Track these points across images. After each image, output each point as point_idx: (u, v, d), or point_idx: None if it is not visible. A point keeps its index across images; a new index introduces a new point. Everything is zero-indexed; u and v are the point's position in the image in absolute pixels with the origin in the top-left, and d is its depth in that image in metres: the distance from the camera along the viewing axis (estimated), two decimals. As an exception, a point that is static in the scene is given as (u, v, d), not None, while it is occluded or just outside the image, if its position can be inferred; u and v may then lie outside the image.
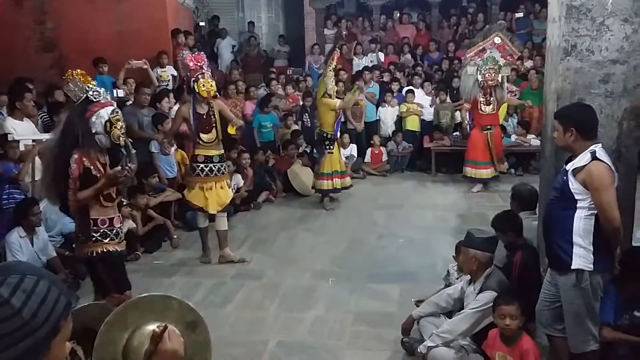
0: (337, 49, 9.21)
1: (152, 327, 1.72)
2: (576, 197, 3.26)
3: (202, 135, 5.73)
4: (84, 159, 3.78)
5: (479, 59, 8.28)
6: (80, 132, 3.76)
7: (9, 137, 5.66)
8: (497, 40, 8.28)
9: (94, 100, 3.82)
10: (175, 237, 6.74)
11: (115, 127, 3.82)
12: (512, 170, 9.62)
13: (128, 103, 7.59)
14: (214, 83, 5.78)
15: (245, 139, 9.23)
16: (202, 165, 5.79)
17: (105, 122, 3.80)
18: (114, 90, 7.64)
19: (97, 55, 8.17)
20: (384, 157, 10.14)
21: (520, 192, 4.76)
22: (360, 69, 11.22)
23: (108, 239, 3.92)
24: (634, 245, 4.13)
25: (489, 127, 8.45)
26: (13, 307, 1.19)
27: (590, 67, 3.73)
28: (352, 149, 9.92)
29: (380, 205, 8.22)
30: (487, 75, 8.23)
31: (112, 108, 3.86)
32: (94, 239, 3.88)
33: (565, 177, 3.32)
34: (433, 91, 10.40)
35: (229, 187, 6.11)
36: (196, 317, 1.84)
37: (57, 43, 8.89)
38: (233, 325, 4.71)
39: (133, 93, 7.70)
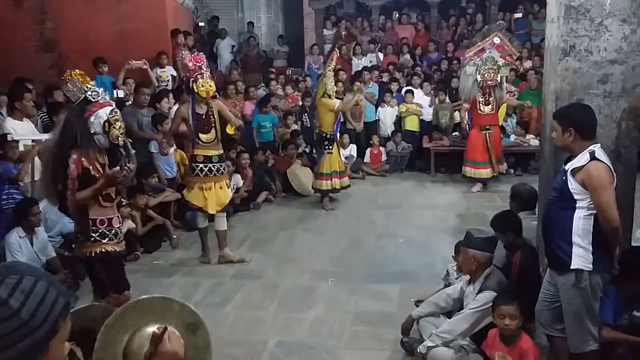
0: (336, 50, 9.23)
1: (152, 329, 1.72)
2: (575, 197, 3.26)
3: (201, 136, 5.74)
4: (83, 159, 3.77)
5: (478, 59, 8.29)
6: (78, 132, 3.76)
7: (9, 137, 5.65)
8: (497, 40, 8.29)
9: (93, 100, 3.82)
10: (174, 237, 6.74)
11: (113, 127, 3.82)
12: (511, 171, 9.63)
13: (127, 103, 7.60)
14: (213, 83, 5.79)
15: (245, 139, 9.24)
16: (201, 165, 5.79)
17: (104, 122, 3.79)
18: (114, 91, 7.65)
19: (97, 55, 8.17)
20: (383, 157, 10.15)
21: (519, 192, 4.77)
22: (360, 69, 11.23)
23: (107, 239, 3.92)
24: (633, 245, 4.13)
25: (487, 127, 8.47)
26: (11, 308, 1.19)
27: (589, 68, 3.73)
28: (352, 149, 9.94)
29: (380, 205, 8.23)
30: (486, 75, 8.25)
31: (110, 108, 3.86)
32: (92, 239, 3.88)
33: (564, 177, 3.32)
34: (432, 91, 10.42)
35: (228, 187, 6.12)
36: (196, 319, 1.84)
37: (56, 43, 8.89)
38: (232, 325, 4.71)
39: (132, 93, 7.70)
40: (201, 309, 4.82)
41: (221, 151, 5.96)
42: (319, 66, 11.99)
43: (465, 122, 9.12)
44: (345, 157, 9.32)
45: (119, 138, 3.86)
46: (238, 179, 7.94)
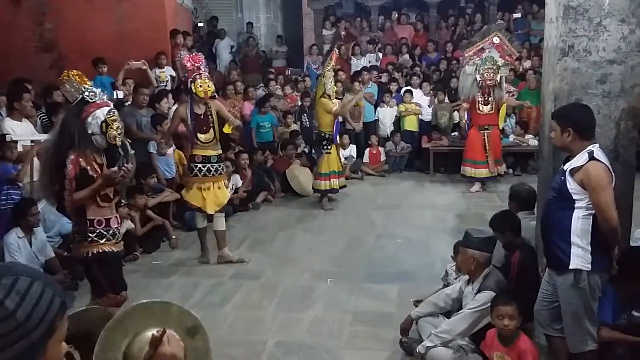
0: (335, 49, 9.23)
1: (151, 332, 1.73)
2: (574, 197, 3.27)
3: (199, 136, 5.74)
4: (80, 159, 3.77)
5: (478, 58, 8.30)
6: (76, 133, 3.75)
7: (7, 138, 5.65)
8: (496, 40, 8.30)
9: (90, 101, 3.81)
10: (173, 237, 6.74)
11: (111, 128, 3.81)
12: (511, 171, 9.63)
13: (127, 104, 7.60)
14: (211, 84, 5.79)
15: (244, 139, 9.24)
16: (199, 165, 5.79)
17: (101, 122, 3.79)
18: (114, 92, 7.66)
19: (96, 55, 8.17)
20: (382, 157, 10.16)
21: (518, 192, 4.77)
22: (359, 69, 11.23)
23: (104, 240, 3.91)
24: (632, 245, 4.14)
25: (486, 126, 8.47)
26: (7, 309, 1.18)
27: (588, 68, 3.74)
28: (352, 150, 9.94)
29: (379, 205, 8.23)
30: (485, 75, 8.25)
31: (108, 108, 3.85)
32: (90, 239, 3.87)
33: (563, 177, 3.32)
34: (431, 91, 10.42)
35: (226, 188, 6.12)
36: (196, 322, 1.85)
37: (56, 44, 8.89)
38: (231, 325, 4.71)
39: (131, 94, 7.70)
40: (200, 309, 4.85)
41: (220, 151, 5.96)
42: (318, 66, 12.00)
43: (464, 121, 9.12)
44: (345, 158, 9.34)
45: (117, 138, 3.85)
46: (237, 179, 7.95)
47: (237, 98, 9.52)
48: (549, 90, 4.00)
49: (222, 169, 6.04)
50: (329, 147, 7.83)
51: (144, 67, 8.26)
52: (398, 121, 10.42)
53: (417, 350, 3.82)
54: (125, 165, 3.88)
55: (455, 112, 9.97)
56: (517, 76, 10.49)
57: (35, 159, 5.42)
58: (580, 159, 3.25)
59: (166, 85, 8.65)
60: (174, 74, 8.98)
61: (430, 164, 9.96)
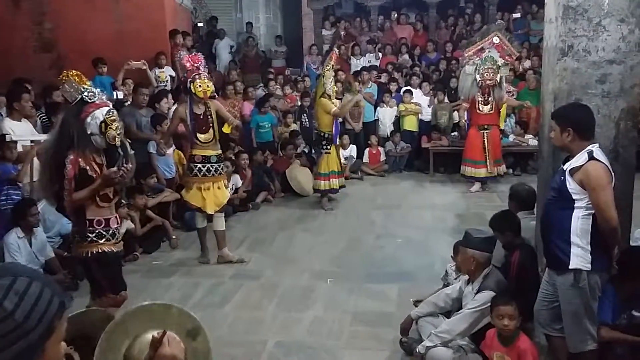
0: (334, 49, 9.23)
1: (152, 334, 1.73)
2: (574, 197, 3.27)
3: (199, 136, 5.74)
4: (80, 159, 3.76)
5: (477, 58, 8.30)
6: (75, 133, 3.75)
7: (7, 138, 5.65)
8: (496, 40, 8.30)
9: (89, 101, 3.81)
10: (173, 237, 6.73)
11: (110, 128, 3.80)
12: (510, 170, 9.62)
13: (126, 104, 7.60)
14: (210, 84, 5.79)
15: (244, 139, 9.24)
16: (199, 165, 5.79)
17: (100, 122, 3.78)
18: (114, 92, 7.65)
19: (96, 55, 8.17)
20: (382, 157, 10.16)
21: (518, 192, 4.77)
22: (359, 69, 11.23)
23: (104, 240, 3.91)
24: (632, 244, 4.14)
25: (485, 126, 8.47)
26: (5, 310, 1.18)
27: (587, 68, 3.74)
28: (352, 150, 9.94)
29: (379, 205, 8.23)
30: (485, 75, 8.26)
31: (107, 109, 3.85)
32: (89, 239, 3.87)
33: (562, 177, 3.32)
34: (431, 91, 10.42)
35: (226, 187, 6.12)
36: (196, 325, 1.85)
37: (55, 44, 8.88)
38: (231, 325, 4.71)
39: (131, 94, 7.70)
40: (200, 309, 4.86)
41: (219, 151, 5.96)
42: (317, 66, 12.01)
43: (464, 121, 9.12)
44: (345, 158, 9.34)
45: (116, 139, 3.85)
46: (237, 180, 7.95)
47: (236, 98, 9.52)
48: (549, 90, 4.00)
49: (222, 169, 6.04)
50: (328, 147, 7.83)
51: (144, 67, 8.26)
52: (398, 121, 10.42)
53: (417, 350, 3.82)
54: (125, 165, 3.88)
55: (455, 112, 9.98)
56: (517, 76, 10.49)
57: (35, 159, 5.43)
58: (579, 158, 3.25)
59: (166, 85, 8.65)
60: (173, 74, 8.98)
61: (430, 164, 9.97)
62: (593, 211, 3.23)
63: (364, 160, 10.12)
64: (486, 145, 8.48)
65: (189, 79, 5.67)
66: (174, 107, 7.08)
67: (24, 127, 5.98)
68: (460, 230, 5.62)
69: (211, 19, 13.84)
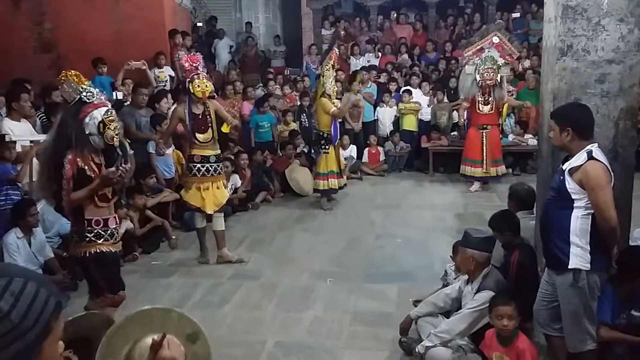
0: (335, 49, 9.22)
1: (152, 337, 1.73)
2: (573, 196, 3.27)
3: (198, 136, 5.73)
4: (78, 159, 3.76)
5: (477, 58, 8.30)
6: (73, 133, 3.74)
7: (6, 138, 5.65)
8: (496, 39, 8.30)
9: (88, 101, 3.81)
10: (173, 237, 6.73)
11: (108, 128, 3.80)
12: (510, 170, 9.61)
13: (126, 104, 7.59)
14: (209, 84, 5.79)
15: (243, 139, 9.24)
16: (198, 165, 5.79)
17: (99, 123, 3.78)
18: (113, 93, 7.65)
19: (95, 56, 8.18)
20: (381, 157, 10.16)
21: (517, 192, 4.77)
22: (358, 69, 11.23)
23: (102, 240, 3.90)
24: (631, 244, 4.14)
25: (485, 126, 8.47)
26: (1, 311, 1.17)
27: (586, 67, 3.73)
28: (352, 150, 9.94)
29: (378, 205, 8.23)
30: (485, 75, 8.25)
31: (105, 109, 3.84)
32: (87, 239, 3.86)
33: (562, 177, 3.32)
34: (430, 91, 10.42)
35: (225, 187, 6.12)
36: (196, 328, 1.85)
37: (55, 44, 8.89)
38: (231, 325, 4.71)
39: (131, 94, 7.69)
40: (200, 310, 4.86)
41: (218, 151, 5.96)
42: (317, 66, 12.00)
43: (463, 120, 9.11)
44: (345, 158, 9.33)
45: (114, 139, 3.85)
46: (236, 179, 7.94)
47: (236, 98, 9.52)
48: (548, 90, 4.00)
49: (221, 168, 6.04)
50: (327, 147, 7.83)
51: (144, 68, 8.27)
52: (397, 121, 10.42)
53: (417, 350, 3.82)
54: (124, 165, 3.88)
55: (455, 111, 9.98)
56: (516, 76, 10.49)
57: (35, 159, 5.42)
58: (579, 158, 3.25)
59: (165, 85, 8.65)
60: (173, 74, 8.98)
61: (429, 163, 9.96)
62: (592, 211, 3.23)
63: (363, 160, 10.12)
64: (485, 145, 8.47)
65: (188, 79, 5.66)
66: (173, 107, 7.08)
67: (23, 127, 5.98)
68: (459, 230, 5.63)
69: (210, 18, 13.84)
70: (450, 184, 9.29)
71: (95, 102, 3.83)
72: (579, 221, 3.27)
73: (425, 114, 10.36)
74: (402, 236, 6.74)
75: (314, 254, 6.29)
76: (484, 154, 8.49)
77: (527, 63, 11.03)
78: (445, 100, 10.24)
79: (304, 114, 9.98)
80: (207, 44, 12.85)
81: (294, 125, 9.77)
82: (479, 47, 8.33)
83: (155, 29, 8.95)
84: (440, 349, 3.73)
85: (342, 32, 13.30)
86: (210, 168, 5.82)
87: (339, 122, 8.31)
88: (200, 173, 5.80)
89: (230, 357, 4.14)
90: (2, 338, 1.17)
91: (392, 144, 10.20)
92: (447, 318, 3.94)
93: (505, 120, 9.86)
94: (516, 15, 13.15)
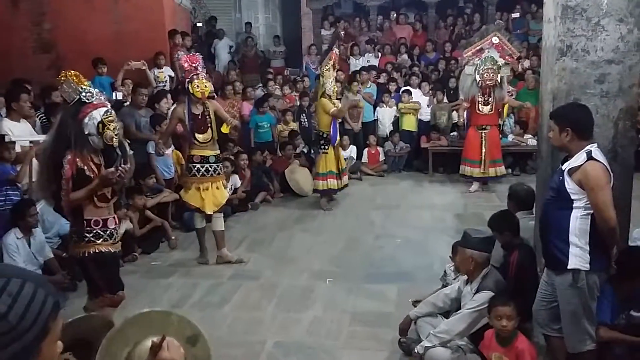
0: (334, 49, 9.23)
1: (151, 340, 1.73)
2: (572, 197, 3.27)
3: (197, 136, 5.73)
4: (77, 159, 3.76)
5: (477, 59, 8.29)
6: (72, 134, 3.74)
7: (6, 139, 5.64)
8: (495, 40, 8.30)
9: (87, 101, 3.81)
10: (172, 238, 6.72)
11: (107, 129, 3.80)
12: (509, 170, 9.61)
13: (126, 104, 7.59)
14: (208, 84, 5.78)
15: (243, 139, 9.24)
16: (198, 165, 5.79)
17: (98, 123, 3.78)
18: (113, 93, 7.65)
19: (95, 56, 8.18)
20: (381, 157, 10.16)
21: (517, 192, 4.77)
22: (358, 69, 11.24)
23: (101, 240, 3.90)
24: (631, 244, 4.14)
25: (484, 126, 8.46)
26: None
27: (586, 67, 3.73)
28: (352, 151, 9.94)
29: (378, 205, 8.23)
30: (485, 76, 8.24)
31: (105, 109, 3.84)
32: (86, 239, 3.86)
33: (561, 177, 3.32)
34: (430, 91, 10.42)
35: (224, 188, 6.12)
36: (196, 331, 1.86)
37: (54, 44, 8.90)
38: (230, 325, 4.70)
39: (130, 94, 7.69)
40: (199, 310, 4.86)
41: (218, 151, 5.96)
42: (316, 66, 12.00)
43: (462, 120, 9.10)
44: (345, 159, 9.31)
45: (113, 139, 3.85)
46: (236, 180, 7.94)
47: (235, 98, 9.52)
48: (547, 90, 4.00)
49: (221, 169, 6.04)
50: (326, 148, 7.82)
51: (143, 68, 8.27)
52: (397, 121, 10.42)
53: (416, 351, 3.82)
54: (123, 165, 3.88)
55: (454, 112, 9.98)
56: (516, 76, 10.49)
57: (34, 160, 5.42)
58: (578, 158, 3.25)
59: (165, 86, 8.65)
60: (172, 74, 8.98)
61: (429, 164, 9.96)
62: (592, 211, 3.23)
63: (363, 160, 10.12)
64: (483, 145, 8.46)
65: (187, 80, 5.66)
66: (172, 108, 7.08)
67: (23, 127, 5.98)
68: (459, 230, 5.63)
69: (210, 19, 13.84)
70: (449, 184, 9.29)
71: (95, 102, 3.83)
72: (578, 221, 3.27)
73: (425, 114, 10.37)
74: (402, 236, 6.74)
75: (314, 254, 6.29)
76: (483, 155, 8.49)
77: (526, 63, 11.03)
78: (445, 100, 10.24)
79: (304, 114, 9.98)
80: (206, 44, 12.85)
81: (294, 125, 9.76)
82: (478, 48, 8.33)
83: (155, 29, 8.95)
84: (440, 349, 3.73)
85: (342, 33, 13.30)
86: (209, 168, 5.82)
87: (339, 123, 8.31)
88: (200, 173, 5.80)
89: (230, 358, 4.13)
90: (0, 339, 1.17)
91: (391, 144, 10.20)
92: (447, 318, 3.94)
93: (505, 121, 9.86)
94: (516, 15, 13.16)
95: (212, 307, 5.04)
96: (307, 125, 9.85)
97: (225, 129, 6.15)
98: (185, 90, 5.83)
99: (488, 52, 8.26)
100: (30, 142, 5.76)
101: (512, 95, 9.66)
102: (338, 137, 8.01)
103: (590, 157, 3.21)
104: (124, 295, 4.08)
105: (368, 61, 12.15)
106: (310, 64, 12.56)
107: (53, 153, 3.80)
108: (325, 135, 7.78)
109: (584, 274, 3.27)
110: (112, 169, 3.81)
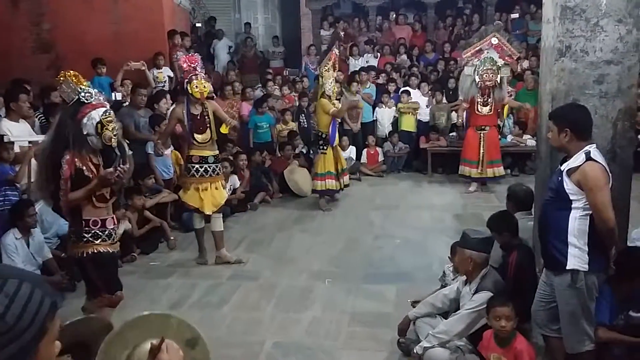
0: (334, 49, 9.23)
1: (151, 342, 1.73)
2: (571, 197, 3.27)
3: (196, 136, 5.73)
4: (76, 159, 3.76)
5: (476, 59, 8.30)
6: (71, 134, 3.74)
7: (5, 139, 5.64)
8: (495, 40, 8.30)
9: (86, 101, 3.81)
10: (171, 238, 6.72)
11: (106, 129, 3.80)
12: (508, 171, 9.60)
13: (125, 104, 7.59)
14: (207, 84, 5.78)
15: (242, 140, 9.24)
16: (197, 165, 5.79)
17: (97, 123, 3.78)
18: (112, 93, 7.65)
19: (94, 56, 8.19)
20: (380, 158, 10.16)
21: (516, 193, 4.78)
22: (357, 69, 11.24)
23: (99, 240, 3.90)
24: (629, 245, 4.14)
25: (483, 127, 8.46)
26: None
27: (585, 68, 3.74)
28: (351, 151, 9.94)
29: (377, 205, 8.23)
30: (484, 76, 8.24)
31: (103, 109, 3.84)
32: (85, 239, 3.86)
33: (560, 178, 3.33)
34: (429, 92, 10.43)
35: (223, 188, 6.12)
36: (195, 334, 1.86)
37: (53, 44, 8.90)
38: (230, 326, 4.70)
39: (130, 94, 7.69)
40: (198, 310, 4.86)
41: (217, 152, 5.96)
42: (315, 67, 12.00)
43: (460, 120, 9.10)
44: (345, 159, 9.32)
45: (112, 139, 3.85)
46: (235, 180, 7.94)
47: (235, 98, 9.52)
48: (546, 91, 4.00)
49: (220, 169, 6.04)
50: (325, 148, 7.83)
51: (143, 68, 8.27)
52: (396, 122, 10.42)
53: (415, 351, 3.83)
54: (122, 165, 3.88)
55: (453, 112, 9.99)
56: (515, 77, 10.49)
57: (33, 160, 5.42)
58: (577, 159, 3.25)
59: (164, 86, 8.65)
60: (171, 74, 8.98)
61: (428, 164, 9.96)
62: (590, 212, 3.23)
63: (362, 161, 10.12)
64: (482, 145, 8.45)
65: (186, 80, 5.67)
66: (172, 108, 7.08)
67: (22, 127, 5.98)
68: (458, 230, 5.63)
69: (209, 19, 13.84)
70: (448, 184, 9.29)
71: (94, 102, 3.83)
72: (577, 222, 3.27)
73: (424, 115, 10.37)
74: (401, 237, 6.74)
75: (313, 255, 6.29)
76: (481, 155, 8.48)
77: (525, 64, 11.03)
78: (444, 101, 10.25)
79: (303, 115, 9.98)
80: (206, 45, 12.84)
81: (293, 125, 9.76)
82: (477, 49, 8.33)
83: (154, 29, 8.95)
84: (439, 350, 3.73)
85: (341, 33, 13.30)
86: (208, 169, 5.82)
87: (338, 123, 8.31)
88: (199, 174, 5.79)
89: (229, 358, 4.13)
90: None
91: (390, 145, 10.20)
92: (445, 319, 3.95)
93: (504, 121, 9.86)
94: (515, 16, 13.16)
95: (211, 307, 5.04)
96: (306, 126, 9.85)
97: (224, 130, 6.14)
98: (184, 90, 5.83)
99: (487, 52, 8.26)
100: (29, 142, 5.76)
101: (511, 95, 9.65)
102: (337, 138, 8.01)
103: (589, 157, 3.21)
104: (122, 296, 4.08)
105: (367, 61, 12.15)
106: (310, 65, 12.56)
107: (52, 153, 3.80)
108: (324, 136, 7.78)
109: (582, 275, 3.27)
110: (111, 169, 3.81)
